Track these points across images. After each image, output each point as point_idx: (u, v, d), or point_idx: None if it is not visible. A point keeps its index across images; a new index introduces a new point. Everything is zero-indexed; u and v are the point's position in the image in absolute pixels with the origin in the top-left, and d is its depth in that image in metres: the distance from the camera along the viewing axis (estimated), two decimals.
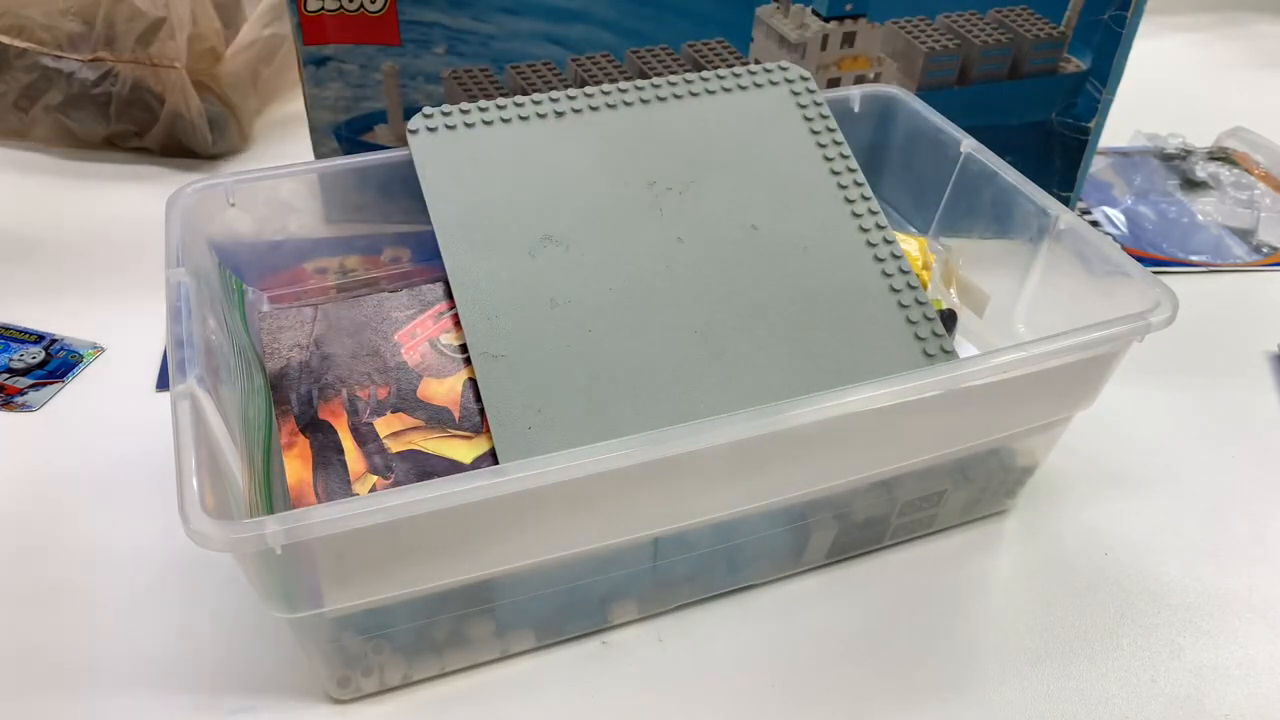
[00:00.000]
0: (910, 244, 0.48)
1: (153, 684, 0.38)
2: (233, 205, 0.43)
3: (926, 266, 0.47)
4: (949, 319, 0.46)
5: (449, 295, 0.41)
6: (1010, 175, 0.46)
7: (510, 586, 0.36)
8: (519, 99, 0.45)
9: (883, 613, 0.41)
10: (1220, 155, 0.73)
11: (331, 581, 0.32)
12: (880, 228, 0.43)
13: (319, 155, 0.57)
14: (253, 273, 0.46)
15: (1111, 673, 0.39)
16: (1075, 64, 0.57)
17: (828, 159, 0.45)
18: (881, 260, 0.42)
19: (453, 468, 0.37)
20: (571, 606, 0.39)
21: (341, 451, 0.37)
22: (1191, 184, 0.70)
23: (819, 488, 0.38)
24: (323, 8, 0.52)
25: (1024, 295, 0.46)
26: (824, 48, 0.56)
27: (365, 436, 0.37)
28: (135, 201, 0.64)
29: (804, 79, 0.47)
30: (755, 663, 0.39)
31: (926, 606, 0.42)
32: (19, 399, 0.50)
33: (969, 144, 0.48)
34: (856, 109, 0.52)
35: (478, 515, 0.32)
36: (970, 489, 0.43)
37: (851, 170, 0.45)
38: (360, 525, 0.30)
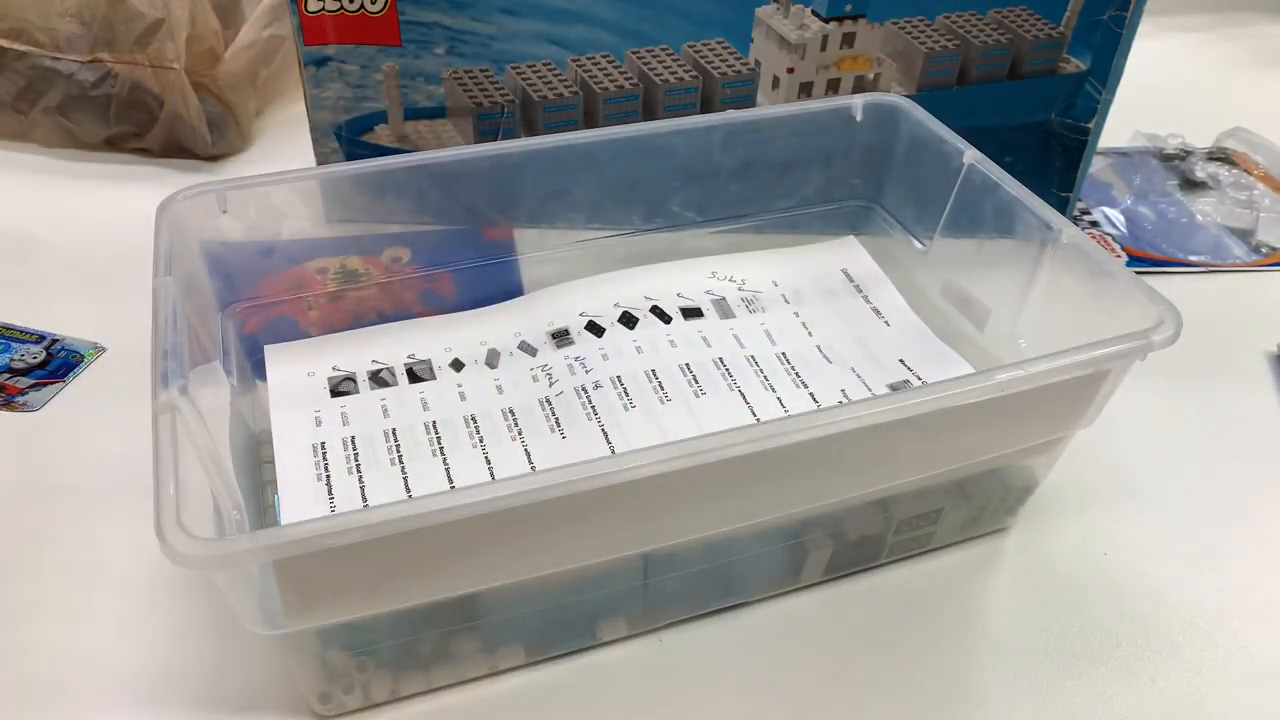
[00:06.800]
0: None
1: (136, 697, 0.37)
2: (225, 213, 0.43)
3: None
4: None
5: None
6: (1013, 187, 0.45)
7: (496, 603, 0.36)
8: None
9: (879, 631, 0.41)
10: (1220, 155, 0.73)
11: (312, 599, 0.31)
12: None
13: (319, 155, 0.57)
14: (249, 278, 0.46)
15: (1112, 672, 0.40)
16: (1075, 64, 0.57)
17: None
18: None
19: None
20: (560, 624, 0.38)
21: None
22: (1191, 184, 0.70)
23: (812, 506, 0.38)
24: (323, 8, 0.52)
25: (1025, 309, 0.46)
26: (824, 48, 0.56)
27: None
28: (135, 202, 0.63)
29: None
30: (749, 682, 0.39)
31: (925, 624, 0.41)
32: (19, 399, 0.50)
33: (971, 155, 0.48)
34: (859, 117, 0.52)
35: (462, 532, 0.31)
36: (969, 507, 0.43)
37: None
38: (340, 543, 0.29)
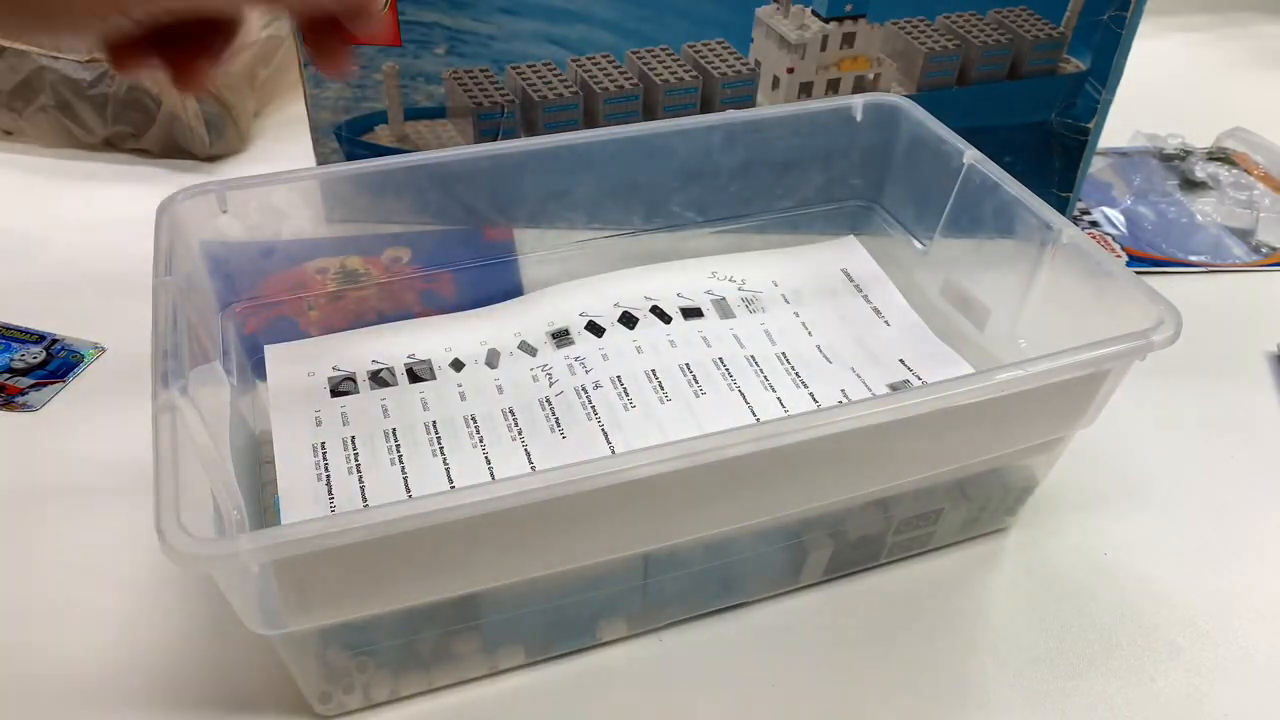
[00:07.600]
0: None
1: (135, 697, 0.37)
2: (225, 213, 0.43)
3: None
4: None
5: None
6: (1013, 188, 0.45)
7: (496, 603, 0.36)
8: None
9: (879, 631, 0.41)
10: (1219, 155, 0.73)
11: (312, 599, 0.31)
12: None
13: (319, 155, 0.57)
14: (249, 278, 0.46)
15: (1112, 672, 0.40)
16: (1075, 64, 0.57)
17: None
18: None
19: None
20: (560, 624, 0.38)
21: None
22: (1191, 184, 0.70)
23: (812, 506, 0.38)
24: None
25: (1025, 309, 0.46)
26: (824, 48, 0.56)
27: None
28: (135, 202, 0.64)
29: None
30: (749, 682, 0.39)
31: (925, 624, 0.41)
32: (20, 399, 0.50)
33: (971, 155, 0.47)
34: (859, 117, 0.52)
35: (462, 532, 0.31)
36: (969, 507, 0.43)
37: None
38: (340, 543, 0.29)
